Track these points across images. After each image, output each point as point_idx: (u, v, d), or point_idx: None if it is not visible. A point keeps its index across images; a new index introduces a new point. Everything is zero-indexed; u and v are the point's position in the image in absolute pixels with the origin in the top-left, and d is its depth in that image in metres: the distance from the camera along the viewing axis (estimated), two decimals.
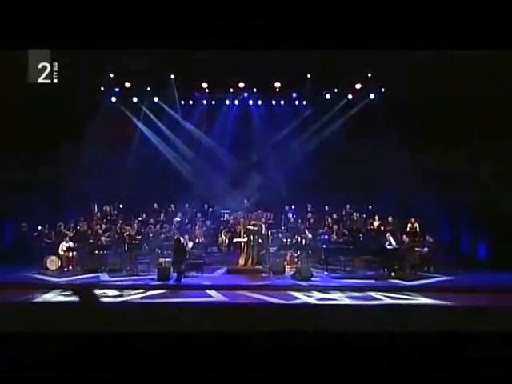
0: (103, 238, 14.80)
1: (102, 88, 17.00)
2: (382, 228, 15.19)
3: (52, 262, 14.00)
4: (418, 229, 15.13)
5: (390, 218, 15.47)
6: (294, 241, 14.87)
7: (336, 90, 17.55)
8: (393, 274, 13.36)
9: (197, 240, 15.18)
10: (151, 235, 15.22)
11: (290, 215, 16.99)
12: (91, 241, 14.82)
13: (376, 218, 15.64)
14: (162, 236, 15.01)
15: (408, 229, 15.19)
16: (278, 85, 17.07)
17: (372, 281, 12.94)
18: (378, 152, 16.27)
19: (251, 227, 14.35)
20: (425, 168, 15.64)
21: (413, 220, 15.28)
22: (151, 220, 16.48)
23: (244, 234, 14.32)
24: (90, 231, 15.39)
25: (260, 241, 14.26)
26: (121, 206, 17.14)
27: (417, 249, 14.12)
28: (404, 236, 14.21)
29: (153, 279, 12.86)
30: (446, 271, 13.63)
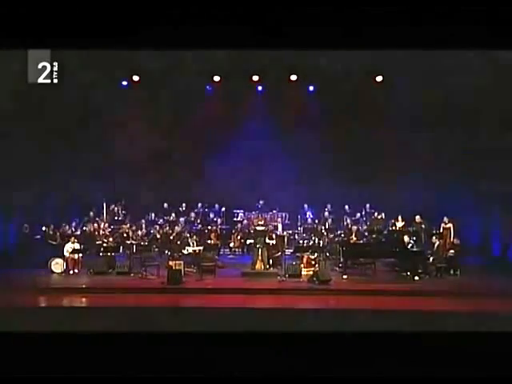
0: (110, 240, 14.38)
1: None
2: (405, 229, 14.55)
3: (57, 265, 13.54)
4: (452, 229, 14.39)
5: (417, 217, 14.76)
6: (310, 242, 14.39)
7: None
8: (416, 277, 12.78)
9: (209, 241, 14.70)
10: (160, 237, 14.85)
11: (307, 215, 16.42)
12: (98, 242, 14.40)
13: (399, 218, 15.00)
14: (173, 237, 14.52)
15: (441, 229, 14.47)
16: (293, 78, 16.33)
17: (394, 285, 12.43)
18: (400, 148, 15.70)
19: (266, 228, 14.00)
20: (450, 164, 15.14)
21: (446, 220, 14.50)
22: (161, 221, 16.03)
23: (258, 235, 13.85)
24: (96, 232, 15.02)
25: (275, 242, 13.90)
26: (129, 205, 16.67)
27: (442, 250, 13.49)
28: (433, 238, 13.57)
29: (162, 282, 12.46)
30: (474, 274, 13.13)
